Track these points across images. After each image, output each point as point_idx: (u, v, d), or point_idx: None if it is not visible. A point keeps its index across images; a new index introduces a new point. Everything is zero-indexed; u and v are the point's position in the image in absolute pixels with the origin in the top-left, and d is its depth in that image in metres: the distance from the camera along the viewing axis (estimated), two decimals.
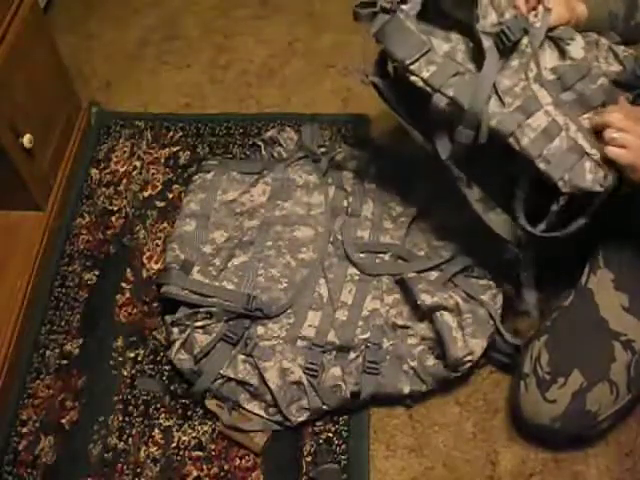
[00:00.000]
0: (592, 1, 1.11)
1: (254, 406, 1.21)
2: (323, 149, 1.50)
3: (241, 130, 1.66)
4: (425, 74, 1.05)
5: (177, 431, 1.23)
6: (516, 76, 1.02)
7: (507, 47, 1.00)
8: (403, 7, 1.07)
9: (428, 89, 1.05)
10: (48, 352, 1.34)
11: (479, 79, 1.01)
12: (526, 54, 1.02)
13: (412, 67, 1.05)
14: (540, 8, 1.03)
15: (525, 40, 1.01)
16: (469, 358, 1.18)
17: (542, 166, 0.99)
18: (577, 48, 1.02)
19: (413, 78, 1.06)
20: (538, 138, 0.99)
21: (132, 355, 1.32)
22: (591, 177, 0.97)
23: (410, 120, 1.18)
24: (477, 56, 1.04)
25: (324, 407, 1.19)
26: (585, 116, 1.01)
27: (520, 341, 1.19)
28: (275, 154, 1.53)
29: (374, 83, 1.18)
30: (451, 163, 1.12)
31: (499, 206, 1.17)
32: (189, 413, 1.25)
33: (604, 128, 0.96)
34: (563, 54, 1.03)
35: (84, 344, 1.34)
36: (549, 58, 1.03)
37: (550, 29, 1.03)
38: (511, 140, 1.00)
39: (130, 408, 1.26)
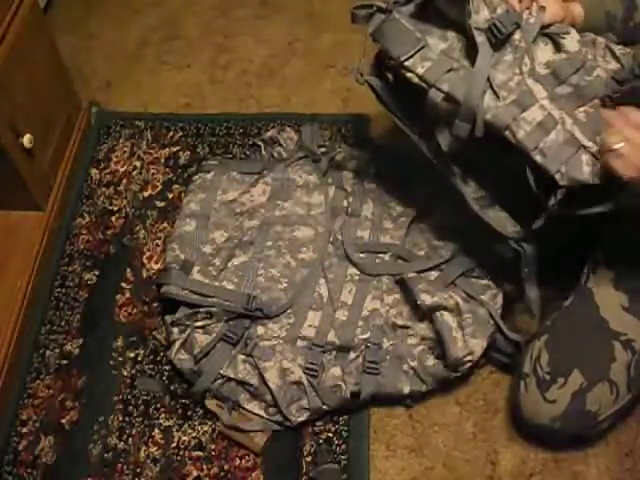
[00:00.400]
0: (588, 1, 1.11)
1: (254, 406, 1.21)
2: (323, 149, 1.50)
3: (241, 130, 1.67)
4: (420, 70, 1.05)
5: (177, 431, 1.23)
6: (510, 70, 1.02)
7: (499, 40, 1.01)
8: (399, 8, 1.09)
9: (423, 85, 1.06)
10: (48, 352, 1.34)
11: (473, 74, 1.02)
12: (520, 49, 1.02)
13: (407, 63, 1.06)
14: (534, 6, 1.03)
15: (518, 35, 1.02)
16: (469, 358, 1.18)
17: (538, 159, 0.99)
18: (572, 41, 1.02)
19: (408, 74, 1.07)
20: (534, 131, 0.99)
21: (132, 355, 1.32)
22: (588, 169, 0.97)
23: (406, 121, 1.19)
24: (472, 53, 1.04)
25: (324, 407, 1.19)
26: (582, 109, 1.01)
27: (521, 338, 1.19)
28: (275, 154, 1.53)
29: (370, 84, 1.18)
30: (449, 160, 1.12)
31: (497, 203, 1.17)
32: (189, 413, 1.25)
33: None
34: (557, 48, 1.03)
35: (84, 344, 1.34)
36: (543, 52, 1.03)
37: (545, 27, 1.03)
38: (507, 133, 1.01)
39: (130, 408, 1.26)
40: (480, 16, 1.02)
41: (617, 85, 1.01)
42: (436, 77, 1.04)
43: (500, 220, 1.15)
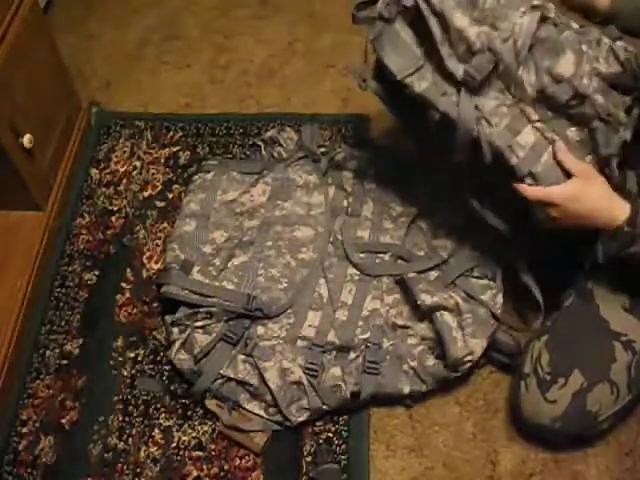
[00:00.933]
0: None
1: (254, 406, 1.21)
2: (323, 149, 1.50)
3: (241, 130, 1.66)
4: (417, 89, 1.06)
5: (177, 431, 1.23)
6: (502, 96, 1.03)
7: (475, 87, 1.01)
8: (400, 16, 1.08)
9: (422, 100, 1.07)
10: (48, 352, 1.34)
11: (461, 104, 1.03)
12: (506, 77, 1.02)
13: (406, 81, 1.07)
14: (525, 18, 1.01)
15: (502, 65, 1.01)
16: (469, 358, 1.18)
17: (529, 181, 1.02)
18: (567, 64, 1.00)
19: (407, 90, 1.08)
20: (527, 156, 1.01)
21: (132, 355, 1.32)
22: None
23: (408, 120, 1.19)
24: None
25: (324, 407, 1.19)
26: (573, 128, 1.02)
27: (521, 338, 1.19)
28: (275, 154, 1.53)
29: (372, 88, 1.19)
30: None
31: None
32: (189, 413, 1.25)
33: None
34: (550, 72, 1.01)
35: (84, 344, 1.34)
36: (534, 77, 1.01)
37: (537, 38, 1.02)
38: (503, 157, 1.02)
39: (130, 408, 1.26)
40: (459, 50, 1.02)
41: (614, 91, 1.01)
42: (432, 98, 1.05)
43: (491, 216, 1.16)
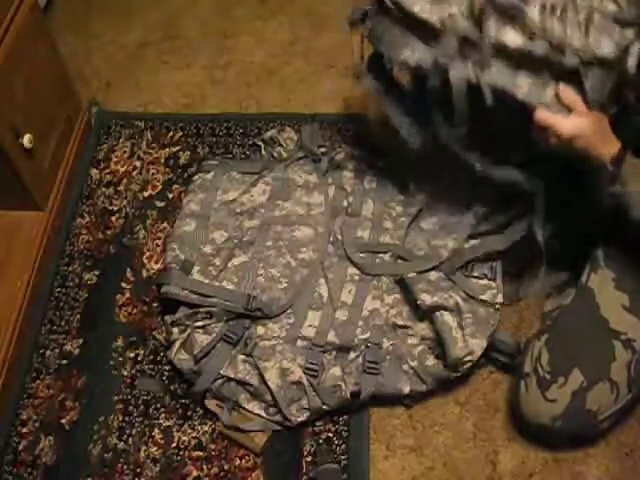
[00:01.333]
0: None
1: (254, 406, 1.21)
2: (323, 149, 1.50)
3: (241, 130, 1.66)
4: (413, 62, 1.07)
5: (177, 431, 1.23)
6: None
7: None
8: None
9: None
10: (48, 352, 1.34)
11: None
12: (479, 45, 1.03)
13: (401, 58, 1.08)
14: None
15: (469, 40, 1.03)
16: (469, 358, 1.18)
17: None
18: (533, 16, 1.01)
19: (404, 68, 1.09)
20: (533, 88, 1.02)
21: (132, 355, 1.32)
22: None
23: (404, 113, 1.21)
24: None
25: (324, 407, 1.19)
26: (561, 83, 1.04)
27: (521, 337, 1.20)
28: (275, 154, 1.53)
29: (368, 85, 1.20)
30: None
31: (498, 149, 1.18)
32: (189, 413, 1.25)
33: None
34: (522, 27, 1.02)
35: (84, 344, 1.35)
36: (508, 37, 1.02)
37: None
38: (509, 94, 1.04)
39: (130, 408, 1.26)
40: (426, 35, 1.05)
41: (620, 25, 1.01)
42: (428, 62, 1.06)
43: (506, 172, 1.16)
